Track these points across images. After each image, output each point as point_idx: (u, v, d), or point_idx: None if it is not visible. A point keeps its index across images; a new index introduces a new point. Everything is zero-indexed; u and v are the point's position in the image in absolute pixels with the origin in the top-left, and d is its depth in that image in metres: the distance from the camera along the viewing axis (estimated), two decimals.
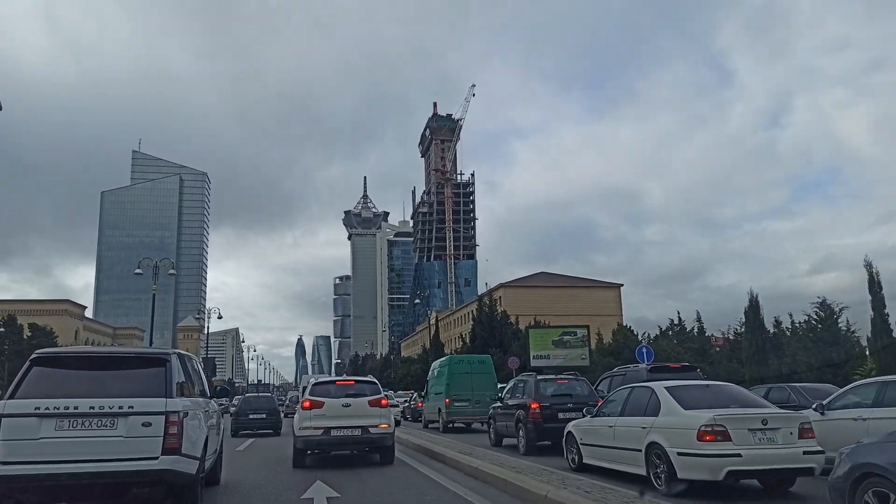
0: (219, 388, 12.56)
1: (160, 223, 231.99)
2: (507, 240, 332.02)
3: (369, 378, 14.46)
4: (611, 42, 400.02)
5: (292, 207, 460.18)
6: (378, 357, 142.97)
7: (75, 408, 6.24)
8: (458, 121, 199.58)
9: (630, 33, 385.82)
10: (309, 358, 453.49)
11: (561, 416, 12.46)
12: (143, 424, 6.35)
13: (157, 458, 6.34)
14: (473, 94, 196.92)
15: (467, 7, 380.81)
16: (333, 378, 15.10)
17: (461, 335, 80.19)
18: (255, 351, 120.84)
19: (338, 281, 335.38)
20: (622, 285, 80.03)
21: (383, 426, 11.93)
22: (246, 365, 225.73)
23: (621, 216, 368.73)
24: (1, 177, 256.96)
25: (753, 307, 29.13)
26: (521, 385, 14.62)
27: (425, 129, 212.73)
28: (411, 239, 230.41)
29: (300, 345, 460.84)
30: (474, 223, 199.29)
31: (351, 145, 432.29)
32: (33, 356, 6.83)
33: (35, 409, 6.19)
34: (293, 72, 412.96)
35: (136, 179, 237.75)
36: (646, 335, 47.55)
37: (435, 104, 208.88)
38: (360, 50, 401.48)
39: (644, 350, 20.27)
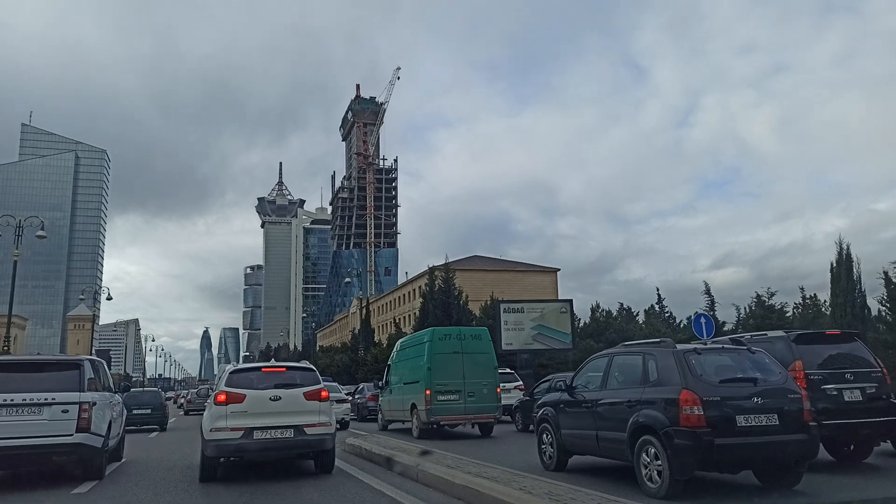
0: (122, 384, 13.26)
1: (51, 203, 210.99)
2: (427, 230, 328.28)
3: (304, 364, 11.17)
4: (536, 36, 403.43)
5: (206, 194, 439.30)
6: (292, 349, 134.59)
7: (12, 400, 8.81)
8: (381, 104, 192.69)
9: (555, 28, 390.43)
10: (215, 351, 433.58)
11: (742, 422, 6.51)
12: (62, 411, 8.93)
13: (71, 434, 8.90)
14: (398, 77, 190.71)
15: None
16: (258, 364, 11.33)
17: (394, 320, 74.32)
18: (153, 341, 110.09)
19: (249, 270, 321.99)
20: (559, 270, 76.59)
21: (322, 425, 9.34)
22: (146, 358, 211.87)
23: (538, 209, 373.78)
24: None
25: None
26: (610, 363, 8.26)
27: (347, 112, 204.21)
28: (329, 227, 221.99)
29: (206, 337, 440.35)
30: (396, 210, 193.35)
31: (273, 131, 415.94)
32: None
33: None
34: (217, 54, 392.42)
35: (25, 155, 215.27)
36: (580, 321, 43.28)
37: (358, 86, 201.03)
38: (288, 33, 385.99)
39: (703, 320, 14.83)
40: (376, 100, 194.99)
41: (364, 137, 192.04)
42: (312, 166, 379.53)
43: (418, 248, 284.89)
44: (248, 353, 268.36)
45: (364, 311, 49.23)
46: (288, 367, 10.17)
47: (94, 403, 9.21)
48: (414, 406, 16.02)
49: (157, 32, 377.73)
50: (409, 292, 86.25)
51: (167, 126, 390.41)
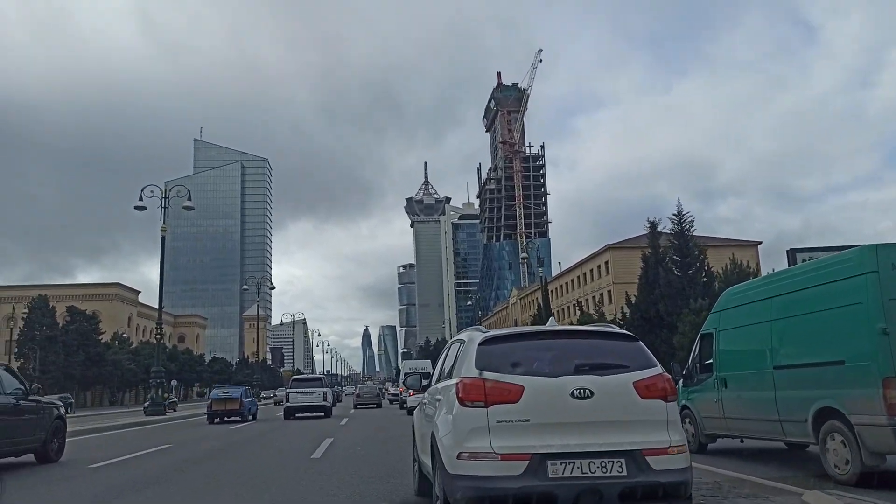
0: (33, 386, 10.67)
1: (223, 212, 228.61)
2: (575, 220, 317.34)
3: (612, 327, 5.51)
4: (684, 4, 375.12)
5: (369, 197, 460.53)
6: None
7: None
8: (524, 90, 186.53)
9: None
10: (375, 348, 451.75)
11: None
12: None
13: None
14: (540, 60, 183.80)
15: None
16: (531, 328, 6.15)
17: (577, 302, 68.24)
18: (319, 336, 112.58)
19: (402, 269, 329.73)
20: (760, 242, 65.90)
21: (677, 450, 4.59)
22: (314, 356, 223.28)
23: (694, 191, 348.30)
24: (91, 176, 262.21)
25: None
26: None
27: (490, 101, 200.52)
28: (477, 221, 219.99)
29: (366, 335, 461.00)
30: (545, 198, 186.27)
31: (430, 131, 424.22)
32: None
33: None
34: (377, 59, 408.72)
35: (199, 168, 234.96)
36: None
37: (499, 74, 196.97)
38: (444, 29, 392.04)
39: None
40: (518, 86, 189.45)
41: (508, 126, 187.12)
42: (466, 163, 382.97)
43: (568, 239, 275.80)
44: (405, 350, 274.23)
45: (543, 290, 43.51)
46: (593, 333, 5.37)
47: None
48: (831, 415, 7.55)
49: (325, 43, 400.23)
50: (584, 274, 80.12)
51: (333, 134, 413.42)
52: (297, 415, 25.83)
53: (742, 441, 10.10)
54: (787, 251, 19.03)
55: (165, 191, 28.29)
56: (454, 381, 5.08)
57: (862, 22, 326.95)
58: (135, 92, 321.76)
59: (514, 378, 4.70)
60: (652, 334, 30.04)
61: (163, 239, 27.97)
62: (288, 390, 27.75)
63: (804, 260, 18.23)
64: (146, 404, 28.08)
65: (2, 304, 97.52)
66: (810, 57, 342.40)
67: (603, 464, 4.44)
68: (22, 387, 9.89)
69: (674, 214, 31.36)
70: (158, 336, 27.64)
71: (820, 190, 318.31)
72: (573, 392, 4.59)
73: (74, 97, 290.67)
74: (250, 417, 25.80)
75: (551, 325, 6.30)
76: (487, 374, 4.75)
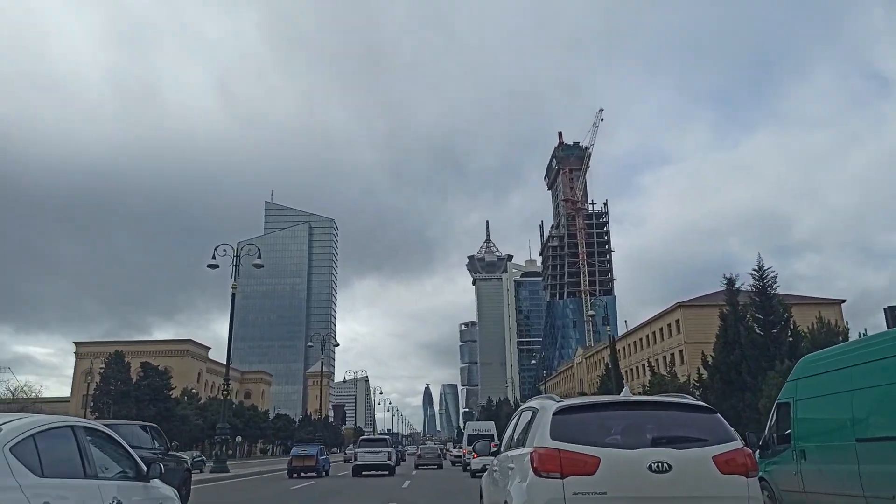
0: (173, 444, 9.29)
1: (291, 270, 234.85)
2: (641, 277, 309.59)
3: (689, 399, 5.41)
4: (753, 60, 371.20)
5: (432, 257, 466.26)
6: (513, 403, 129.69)
7: None
8: (586, 148, 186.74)
9: (773, 49, 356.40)
10: (436, 407, 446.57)
11: None
12: None
13: None
14: (602, 119, 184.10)
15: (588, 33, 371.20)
16: (604, 398, 5.63)
17: (648, 362, 65.68)
18: (381, 393, 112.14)
19: (463, 327, 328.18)
20: (844, 301, 62.20)
21: None
22: (375, 413, 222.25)
23: (767, 248, 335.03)
24: (171, 239, 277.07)
25: None
26: None
27: (551, 160, 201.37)
28: (539, 279, 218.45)
29: (427, 393, 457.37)
30: (610, 255, 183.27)
31: (492, 190, 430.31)
32: None
33: None
34: (441, 121, 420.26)
35: (269, 229, 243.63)
36: None
37: (560, 133, 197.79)
38: (507, 91, 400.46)
39: None
40: (580, 144, 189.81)
41: (570, 184, 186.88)
42: (528, 221, 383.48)
43: (634, 296, 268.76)
44: (466, 409, 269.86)
45: (610, 349, 41.96)
46: (670, 404, 5.21)
47: None
48: None
49: (391, 109, 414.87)
50: (654, 333, 77.65)
51: (399, 195, 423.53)
52: (363, 473, 27.45)
53: None
54: (886, 309, 17.52)
55: (237, 249, 29.05)
56: (528, 450, 4.98)
57: None
58: (212, 160, 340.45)
59: (591, 449, 4.60)
60: (734, 397, 28.19)
61: (233, 296, 28.55)
62: (357, 449, 29.67)
63: None
64: (209, 462, 28.08)
65: (82, 360, 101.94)
66: (885, 109, 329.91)
67: None
68: (164, 445, 11.53)
69: (754, 270, 29.86)
70: (225, 392, 27.89)
71: None
72: (651, 466, 4.48)
73: (158, 165, 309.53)
74: (324, 473, 27.69)
75: (625, 394, 6.56)
76: (563, 445, 4.65)
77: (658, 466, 4.48)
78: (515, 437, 5.99)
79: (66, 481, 4.44)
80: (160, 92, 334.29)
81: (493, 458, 6.95)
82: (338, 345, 45.87)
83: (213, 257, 28.05)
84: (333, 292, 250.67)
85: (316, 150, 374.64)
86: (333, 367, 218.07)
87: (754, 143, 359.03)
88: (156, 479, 5.79)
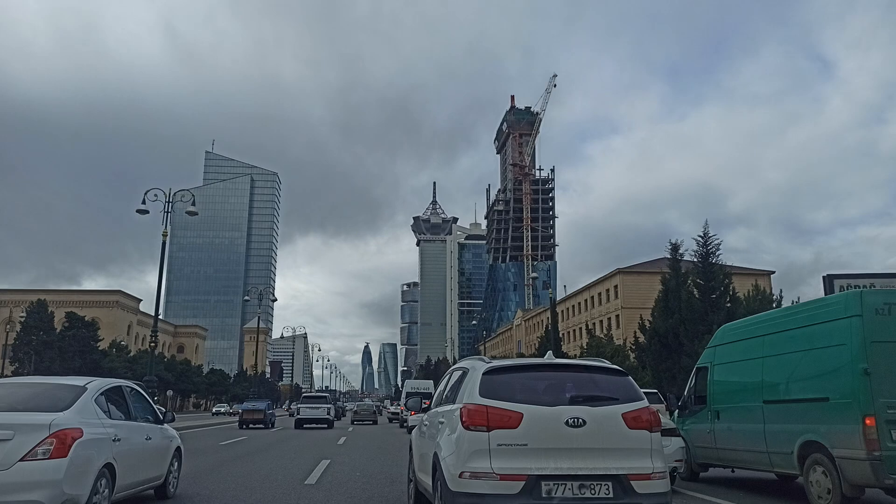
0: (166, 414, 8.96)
1: (230, 223, 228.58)
2: (582, 244, 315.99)
3: (605, 363, 5.91)
4: (705, 35, 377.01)
5: (378, 215, 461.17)
6: (452, 363, 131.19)
7: None
8: (537, 114, 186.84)
9: (726, 25, 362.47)
10: (375, 365, 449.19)
11: None
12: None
13: None
14: (555, 85, 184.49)
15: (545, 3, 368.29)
16: (532, 360, 6.45)
17: (586, 325, 67.04)
18: (319, 351, 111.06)
19: (406, 288, 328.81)
20: (773, 272, 64.65)
21: (658, 476, 5.13)
22: (313, 371, 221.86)
23: (703, 220, 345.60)
24: (102, 185, 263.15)
25: None
26: None
27: (502, 124, 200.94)
28: (483, 242, 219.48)
29: (367, 352, 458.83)
30: (553, 221, 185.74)
31: (444, 152, 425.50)
32: None
33: None
34: (397, 78, 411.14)
35: (209, 180, 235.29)
36: None
37: (512, 97, 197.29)
38: (465, 51, 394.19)
39: None
40: (532, 109, 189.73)
41: (519, 149, 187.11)
42: (477, 184, 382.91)
43: (573, 263, 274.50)
44: (405, 368, 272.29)
45: (552, 312, 42.16)
46: (587, 367, 5.78)
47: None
48: (815, 449, 7.92)
49: (346, 62, 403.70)
50: (592, 297, 79.14)
51: (347, 151, 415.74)
52: (304, 426, 31.04)
53: (733, 471, 10.61)
54: (824, 277, 17.93)
55: (169, 195, 27.39)
56: (458, 406, 5.45)
57: (881, 59, 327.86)
58: (152, 104, 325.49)
59: (515, 406, 5.11)
60: (670, 360, 28.81)
61: (163, 244, 26.90)
62: (299, 405, 33.79)
63: (842, 287, 17.37)
64: None
65: (1, 308, 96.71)
66: (826, 92, 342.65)
67: (592, 486, 4.90)
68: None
69: (699, 236, 30.23)
70: (153, 343, 26.54)
71: (830, 223, 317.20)
72: (568, 420, 5.02)
73: (92, 107, 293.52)
74: (271, 425, 32.28)
75: (548, 357, 6.54)
76: (490, 402, 5.15)
77: (574, 421, 5.02)
78: (445, 394, 6.44)
79: (120, 422, 6.87)
80: (98, 29, 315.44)
81: (423, 414, 7.40)
82: (276, 300, 45.21)
83: (144, 202, 26.32)
84: (274, 248, 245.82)
85: (263, 101, 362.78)
86: (272, 323, 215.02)
87: (700, 118, 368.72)
88: (166, 424, 8.50)
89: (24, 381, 7.08)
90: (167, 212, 27.16)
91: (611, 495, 4.88)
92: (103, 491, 6.13)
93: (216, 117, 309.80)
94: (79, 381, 6.82)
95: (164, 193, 27.41)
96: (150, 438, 7.53)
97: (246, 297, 73.10)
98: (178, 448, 8.66)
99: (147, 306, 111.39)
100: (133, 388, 7.85)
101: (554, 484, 4.87)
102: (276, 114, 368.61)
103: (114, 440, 6.42)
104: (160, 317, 31.85)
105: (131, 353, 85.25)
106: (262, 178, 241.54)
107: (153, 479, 7.76)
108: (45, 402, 6.12)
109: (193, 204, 28.63)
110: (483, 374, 5.42)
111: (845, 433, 7.41)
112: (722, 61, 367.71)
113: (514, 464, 4.92)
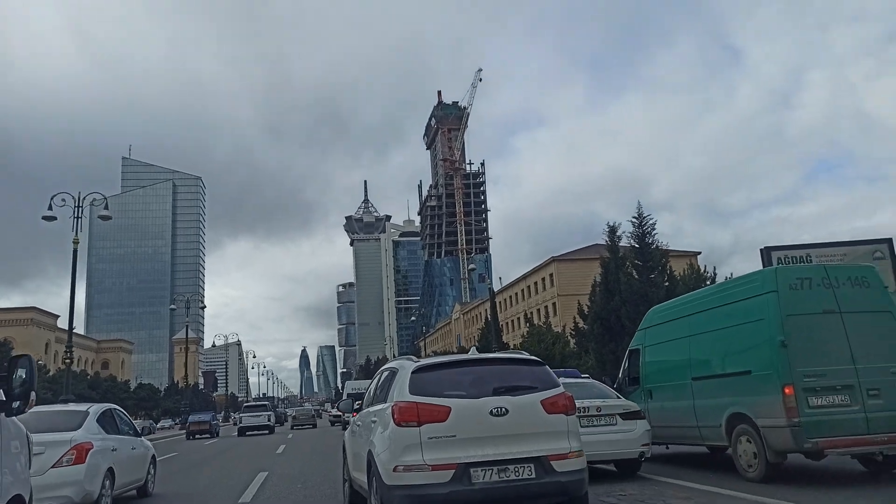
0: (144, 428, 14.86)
1: (153, 232, 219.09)
2: (515, 236, 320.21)
3: (524, 354, 6.49)
4: (620, 27, 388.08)
5: (311, 217, 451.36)
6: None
7: None
8: (464, 108, 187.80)
9: (640, 16, 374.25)
10: (313, 369, 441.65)
11: None
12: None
13: None
14: (481, 79, 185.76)
15: None
16: (456, 356, 6.89)
17: (525, 314, 67.46)
18: (254, 357, 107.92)
19: (341, 289, 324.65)
20: (699, 253, 66.71)
21: (575, 455, 5.64)
22: (249, 378, 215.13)
23: (630, 208, 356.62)
24: (22, 199, 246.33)
25: None
26: None
27: (430, 119, 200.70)
28: (418, 238, 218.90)
29: (304, 356, 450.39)
30: (486, 215, 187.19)
31: (375, 150, 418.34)
32: None
33: None
34: (325, 77, 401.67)
35: (127, 187, 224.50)
36: None
37: (439, 92, 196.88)
38: (392, 48, 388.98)
39: None
40: (459, 104, 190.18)
41: (449, 144, 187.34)
42: (409, 181, 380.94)
43: (506, 255, 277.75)
44: (344, 370, 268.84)
45: (491, 303, 41.89)
46: (507, 360, 6.28)
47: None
48: (741, 420, 8.26)
49: (270, 60, 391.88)
50: (528, 287, 79.74)
51: (275, 152, 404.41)
52: (247, 433, 32.85)
53: (667, 447, 11.05)
54: (762, 250, 18.16)
55: (79, 199, 25.36)
56: (388, 404, 5.77)
57: (786, 45, 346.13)
58: (63, 110, 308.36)
59: (443, 401, 5.48)
60: (613, 342, 28.90)
61: (75, 252, 24.84)
62: (241, 414, 37.16)
63: (780, 259, 17.68)
64: None
65: None
66: (737, 79, 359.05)
67: (516, 468, 5.36)
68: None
69: (634, 217, 30.46)
70: (68, 360, 24.48)
71: (746, 206, 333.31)
72: (492, 410, 5.44)
73: None
74: (216, 434, 35.19)
75: (472, 353, 6.72)
76: (420, 399, 5.52)
77: (497, 411, 5.44)
78: (376, 394, 6.72)
79: (114, 436, 8.96)
80: (1, 29, 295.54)
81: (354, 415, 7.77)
82: (204, 307, 43.07)
83: (50, 208, 24.17)
84: (202, 254, 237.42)
85: (183, 103, 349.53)
86: (203, 332, 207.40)
87: (621, 108, 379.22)
88: (144, 438, 10.62)
89: (45, 409, 9.19)
90: (77, 217, 25.23)
91: (533, 476, 5.35)
92: (108, 489, 8.15)
93: (133, 121, 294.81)
94: (81, 406, 9.27)
95: (74, 198, 25.42)
96: (134, 448, 9.74)
97: (172, 307, 69.87)
98: (153, 456, 10.78)
99: (66, 322, 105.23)
100: (119, 410, 10.29)
101: (482, 469, 5.29)
102: (198, 116, 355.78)
103: (112, 450, 8.54)
104: (80, 332, 29.67)
105: (50, 373, 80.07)
106: (185, 183, 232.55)
107: (138, 481, 9.92)
108: (62, 423, 8.17)
109: (106, 208, 26.71)
110: (412, 372, 5.81)
111: (767, 403, 7.74)
112: (641, 52, 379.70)
113: (444, 454, 5.31)
